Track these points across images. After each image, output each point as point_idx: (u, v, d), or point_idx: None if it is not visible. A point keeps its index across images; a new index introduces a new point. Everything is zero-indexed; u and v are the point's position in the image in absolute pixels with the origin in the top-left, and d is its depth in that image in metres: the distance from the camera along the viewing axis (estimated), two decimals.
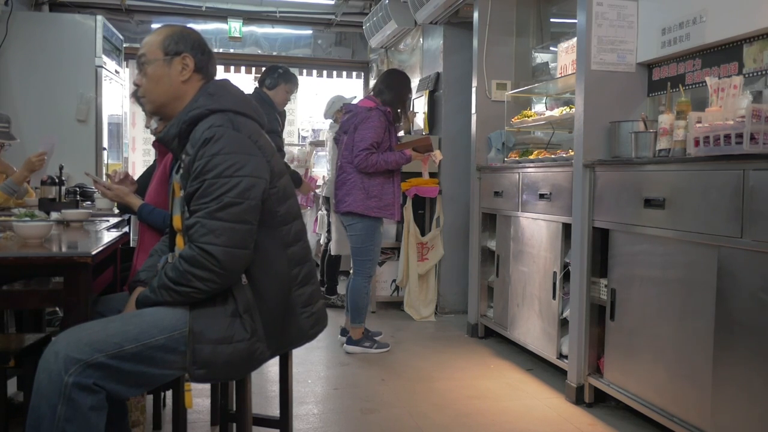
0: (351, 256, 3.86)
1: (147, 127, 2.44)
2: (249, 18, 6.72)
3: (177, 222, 1.72)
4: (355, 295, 3.77)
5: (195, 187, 1.59)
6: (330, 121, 5.21)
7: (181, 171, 1.66)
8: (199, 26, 6.65)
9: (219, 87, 1.73)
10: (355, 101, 4.40)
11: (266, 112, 3.73)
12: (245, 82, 6.80)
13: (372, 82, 7.02)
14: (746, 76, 2.43)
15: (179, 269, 1.57)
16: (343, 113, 3.94)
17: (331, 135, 4.78)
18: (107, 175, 2.63)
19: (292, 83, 4.01)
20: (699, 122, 2.23)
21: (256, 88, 3.98)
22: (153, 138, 2.48)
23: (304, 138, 7.37)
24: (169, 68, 1.73)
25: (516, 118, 4.00)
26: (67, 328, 1.56)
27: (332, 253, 4.99)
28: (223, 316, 1.60)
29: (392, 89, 3.79)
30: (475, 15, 4.28)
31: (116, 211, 3.02)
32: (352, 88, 7.29)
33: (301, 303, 1.73)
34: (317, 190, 5.56)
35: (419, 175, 4.29)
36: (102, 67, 5.12)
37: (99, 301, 1.96)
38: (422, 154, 3.88)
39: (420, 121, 5.27)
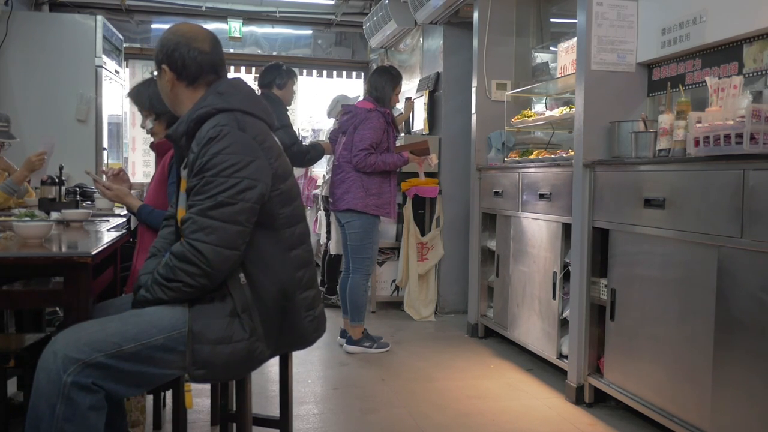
0: (348, 255, 3.86)
1: (143, 127, 2.44)
2: (249, 18, 6.72)
3: (182, 214, 1.72)
4: (354, 293, 3.78)
5: (194, 184, 1.60)
6: (333, 120, 5.21)
7: (187, 168, 1.67)
8: None
9: (229, 86, 1.73)
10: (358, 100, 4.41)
11: (278, 111, 3.74)
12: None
13: None
14: (746, 76, 2.43)
15: (169, 265, 1.58)
16: (341, 114, 3.95)
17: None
18: (104, 172, 2.63)
19: (295, 76, 4.02)
20: (699, 122, 2.23)
21: (263, 92, 3.86)
22: (153, 138, 2.48)
23: (304, 138, 7.37)
24: (161, 80, 1.78)
25: (516, 118, 4.00)
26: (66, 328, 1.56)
27: (332, 253, 4.99)
28: (221, 316, 1.60)
29: (379, 88, 3.81)
30: (475, 15, 4.28)
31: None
32: (352, 88, 7.29)
33: (305, 306, 1.73)
34: (316, 191, 5.55)
35: (417, 175, 4.35)
36: (102, 67, 5.12)
37: (95, 309, 1.95)
38: (419, 157, 3.96)
39: (420, 121, 5.27)
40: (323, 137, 5.83)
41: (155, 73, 1.80)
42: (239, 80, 1.79)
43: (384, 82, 3.83)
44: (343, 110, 3.94)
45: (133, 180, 4.62)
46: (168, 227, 1.91)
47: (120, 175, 2.60)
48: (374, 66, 6.99)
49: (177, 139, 1.73)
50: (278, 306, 1.67)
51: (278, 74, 3.89)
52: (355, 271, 3.79)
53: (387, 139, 3.76)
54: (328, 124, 5.49)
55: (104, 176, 2.63)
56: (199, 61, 1.73)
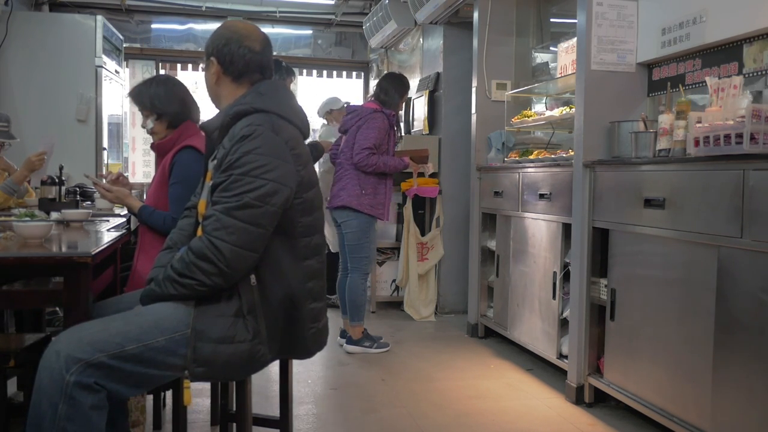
0: (346, 254, 3.86)
1: (143, 127, 2.44)
2: (249, 18, 6.71)
3: (202, 207, 1.73)
4: (353, 293, 3.78)
5: (221, 180, 1.60)
6: (323, 121, 5.23)
7: (215, 161, 1.69)
8: (199, 26, 6.66)
9: (271, 88, 1.74)
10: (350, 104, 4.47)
11: None
12: None
13: (372, 82, 7.04)
14: (746, 76, 2.43)
15: (186, 261, 1.57)
16: (344, 113, 3.97)
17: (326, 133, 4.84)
18: (103, 176, 2.63)
19: (294, 75, 4.05)
20: (699, 122, 2.23)
21: None
22: (153, 138, 2.47)
23: None
24: (208, 71, 1.80)
25: (516, 118, 4.00)
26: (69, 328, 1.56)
27: (330, 251, 4.99)
28: (226, 315, 1.60)
29: (388, 93, 3.85)
30: (475, 15, 4.28)
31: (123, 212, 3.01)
32: (352, 88, 7.30)
33: (311, 318, 1.72)
34: None
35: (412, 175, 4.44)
36: (102, 67, 5.12)
37: (95, 307, 1.95)
38: (417, 164, 4.06)
39: (420, 121, 5.27)
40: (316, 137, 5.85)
41: (202, 65, 1.83)
42: (282, 84, 1.83)
43: (393, 87, 3.88)
44: (347, 110, 3.97)
45: (132, 180, 4.62)
46: (188, 218, 1.91)
47: (120, 180, 2.59)
48: (374, 66, 7.01)
49: (210, 132, 1.75)
50: (285, 313, 1.67)
51: (277, 70, 3.93)
52: (353, 271, 3.80)
53: (388, 142, 3.79)
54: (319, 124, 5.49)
55: (104, 179, 2.62)
56: (247, 59, 1.76)
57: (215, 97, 1.82)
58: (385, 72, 5.72)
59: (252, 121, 1.62)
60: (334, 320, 4.13)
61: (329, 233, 5.00)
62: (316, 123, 5.85)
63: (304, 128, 1.77)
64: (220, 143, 1.69)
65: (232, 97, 1.75)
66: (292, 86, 4.05)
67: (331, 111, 5.13)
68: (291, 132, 1.68)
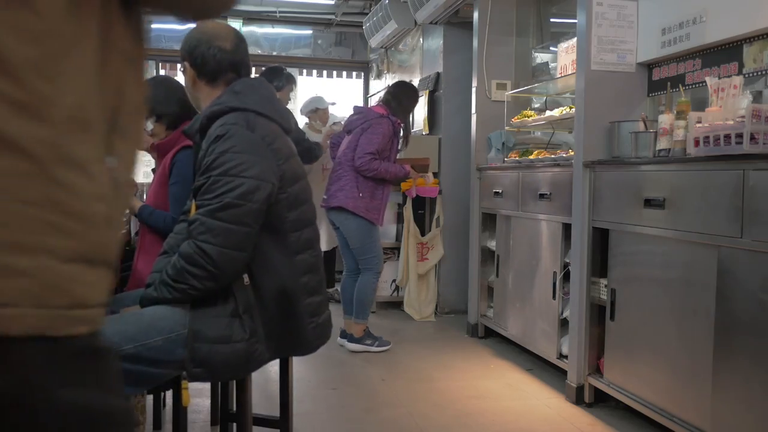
0: (348, 256, 3.87)
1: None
2: (249, 18, 6.72)
3: (194, 210, 1.73)
4: (362, 292, 3.79)
5: (201, 182, 1.60)
6: (305, 120, 5.21)
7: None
8: None
9: (246, 86, 1.73)
10: (332, 107, 4.51)
11: None
12: None
13: (372, 83, 7.05)
14: (746, 76, 2.43)
15: (177, 266, 1.58)
16: (352, 113, 3.99)
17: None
18: None
19: (295, 83, 4.09)
20: (699, 122, 2.23)
21: None
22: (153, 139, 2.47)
23: None
24: (185, 75, 1.81)
25: (516, 118, 4.00)
26: None
27: (323, 249, 5.00)
28: (222, 315, 1.60)
29: (399, 101, 3.86)
30: (475, 15, 4.28)
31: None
32: (352, 88, 7.30)
33: (309, 313, 1.72)
34: None
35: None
36: None
37: None
38: (417, 173, 4.09)
39: (420, 121, 5.27)
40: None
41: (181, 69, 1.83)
42: (259, 80, 1.80)
43: (405, 96, 3.90)
44: (354, 109, 3.99)
45: None
46: (183, 222, 1.91)
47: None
48: (374, 66, 7.00)
49: (193, 135, 1.76)
50: (281, 310, 1.67)
51: (278, 76, 3.98)
52: (365, 271, 3.81)
53: (390, 148, 3.79)
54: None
55: None
56: (218, 59, 1.74)
57: (195, 101, 1.82)
58: (386, 71, 5.74)
59: (226, 121, 1.62)
60: (335, 320, 4.14)
61: (322, 231, 5.01)
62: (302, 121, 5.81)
63: (284, 123, 1.76)
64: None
65: (210, 99, 1.74)
66: (291, 93, 4.09)
67: (316, 110, 4.99)
68: (269, 128, 1.67)
